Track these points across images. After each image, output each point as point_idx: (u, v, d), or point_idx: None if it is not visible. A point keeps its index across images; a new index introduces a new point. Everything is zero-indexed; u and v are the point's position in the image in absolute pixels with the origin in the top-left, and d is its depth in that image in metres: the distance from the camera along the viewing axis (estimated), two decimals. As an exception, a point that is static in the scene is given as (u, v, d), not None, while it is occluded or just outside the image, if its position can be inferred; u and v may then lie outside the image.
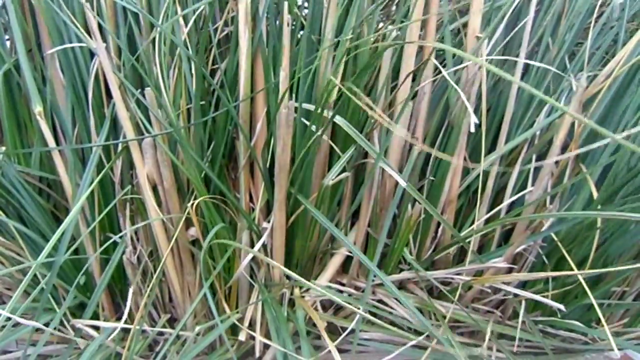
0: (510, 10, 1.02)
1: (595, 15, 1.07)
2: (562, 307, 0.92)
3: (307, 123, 0.91)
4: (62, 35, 0.95)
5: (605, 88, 1.00)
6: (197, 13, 0.95)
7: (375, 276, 1.05)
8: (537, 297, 0.95)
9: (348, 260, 1.07)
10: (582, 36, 1.12)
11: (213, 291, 1.01)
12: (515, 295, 1.01)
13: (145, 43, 0.89)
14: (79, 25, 0.90)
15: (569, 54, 1.09)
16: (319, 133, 0.87)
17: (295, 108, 0.90)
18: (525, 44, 1.01)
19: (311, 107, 0.92)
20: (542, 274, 0.97)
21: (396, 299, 1.03)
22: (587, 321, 1.10)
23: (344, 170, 0.95)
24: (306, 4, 1.02)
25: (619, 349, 0.99)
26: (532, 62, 1.01)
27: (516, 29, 1.02)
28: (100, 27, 0.89)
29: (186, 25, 0.93)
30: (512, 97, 1.01)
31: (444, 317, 1.00)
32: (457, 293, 1.03)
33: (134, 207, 1.02)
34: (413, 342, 0.97)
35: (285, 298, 1.02)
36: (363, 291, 1.02)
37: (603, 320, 0.84)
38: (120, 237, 1.01)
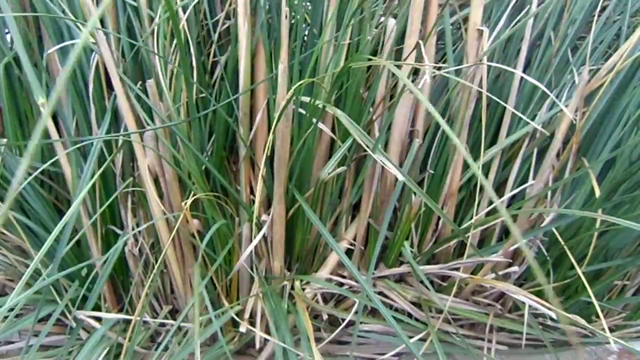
0: (513, 3, 1.02)
1: (598, 9, 1.06)
2: (553, 315, 0.92)
3: (306, 116, 0.91)
4: (61, 27, 0.95)
5: (607, 82, 0.99)
6: (193, 3, 0.94)
7: (375, 269, 1.06)
8: (533, 303, 0.94)
9: (349, 252, 1.08)
10: (585, 30, 1.11)
11: (213, 284, 1.01)
12: (519, 285, 1.02)
13: (145, 35, 0.89)
14: (75, 20, 0.90)
15: (572, 48, 1.08)
16: (314, 124, 0.87)
17: (294, 101, 0.90)
18: (528, 36, 1.00)
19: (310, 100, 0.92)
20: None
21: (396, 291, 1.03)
22: (587, 314, 1.10)
23: (344, 163, 0.95)
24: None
25: (617, 342, 1.00)
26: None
27: (518, 21, 1.02)
28: (100, 19, 0.89)
29: (186, 19, 0.93)
30: (514, 91, 1.01)
31: (441, 311, 1.00)
32: (457, 286, 1.03)
33: (135, 199, 1.02)
34: (417, 338, 0.98)
35: (286, 291, 1.03)
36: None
37: (601, 314, 0.84)
38: (122, 229, 1.02)
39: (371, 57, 0.91)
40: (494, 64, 0.95)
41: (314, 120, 0.88)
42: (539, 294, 1.09)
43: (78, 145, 0.98)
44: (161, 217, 0.95)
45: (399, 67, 0.94)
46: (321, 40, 0.91)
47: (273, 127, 0.80)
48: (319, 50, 0.92)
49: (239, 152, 1.02)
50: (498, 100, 0.92)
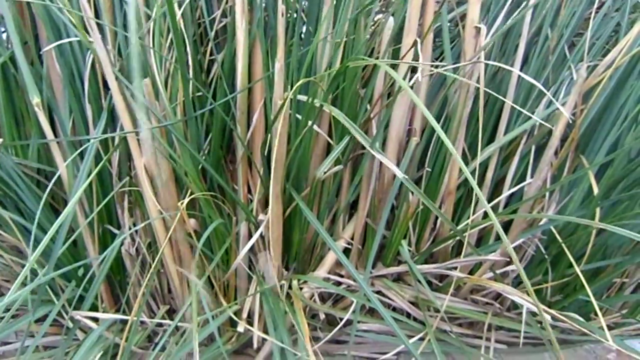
0: (510, 0, 1.02)
1: (595, 5, 1.06)
2: (549, 317, 0.92)
3: (305, 115, 0.90)
4: (58, 27, 0.95)
5: (605, 78, 0.99)
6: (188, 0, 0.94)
7: (373, 268, 1.05)
8: (528, 304, 0.94)
9: (346, 251, 1.07)
10: (583, 26, 1.11)
11: (211, 283, 1.01)
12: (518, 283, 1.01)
13: (141, 31, 0.88)
14: (72, 19, 0.90)
15: (569, 44, 1.08)
16: (310, 124, 0.87)
17: (291, 100, 0.90)
18: (525, 33, 1.00)
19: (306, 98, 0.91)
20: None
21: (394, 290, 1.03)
22: (586, 312, 1.10)
23: (340, 162, 0.94)
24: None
25: (616, 340, 0.99)
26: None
27: (515, 17, 1.01)
28: (97, 17, 0.89)
29: (182, 16, 0.92)
30: (512, 88, 1.00)
31: (438, 310, 1.00)
32: (454, 285, 1.03)
33: (132, 199, 1.02)
34: (416, 338, 0.98)
35: (284, 290, 1.02)
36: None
37: (599, 312, 0.84)
38: (119, 229, 1.01)
39: (368, 56, 0.91)
40: (491, 62, 0.95)
41: (311, 120, 0.87)
42: (538, 292, 1.09)
43: (73, 141, 0.97)
44: (158, 217, 0.95)
45: (396, 65, 0.94)
46: (316, 38, 0.91)
47: (271, 126, 0.80)
48: (315, 48, 0.91)
49: (236, 151, 1.01)
50: (497, 95, 0.91)
